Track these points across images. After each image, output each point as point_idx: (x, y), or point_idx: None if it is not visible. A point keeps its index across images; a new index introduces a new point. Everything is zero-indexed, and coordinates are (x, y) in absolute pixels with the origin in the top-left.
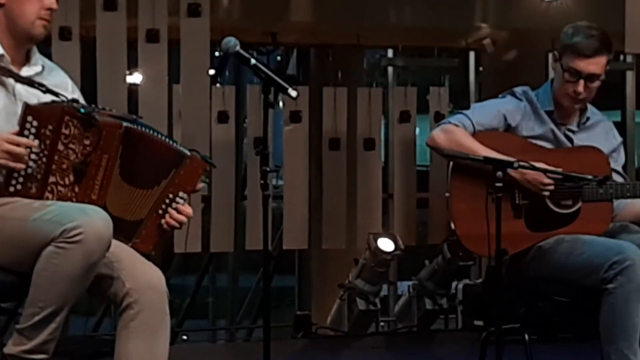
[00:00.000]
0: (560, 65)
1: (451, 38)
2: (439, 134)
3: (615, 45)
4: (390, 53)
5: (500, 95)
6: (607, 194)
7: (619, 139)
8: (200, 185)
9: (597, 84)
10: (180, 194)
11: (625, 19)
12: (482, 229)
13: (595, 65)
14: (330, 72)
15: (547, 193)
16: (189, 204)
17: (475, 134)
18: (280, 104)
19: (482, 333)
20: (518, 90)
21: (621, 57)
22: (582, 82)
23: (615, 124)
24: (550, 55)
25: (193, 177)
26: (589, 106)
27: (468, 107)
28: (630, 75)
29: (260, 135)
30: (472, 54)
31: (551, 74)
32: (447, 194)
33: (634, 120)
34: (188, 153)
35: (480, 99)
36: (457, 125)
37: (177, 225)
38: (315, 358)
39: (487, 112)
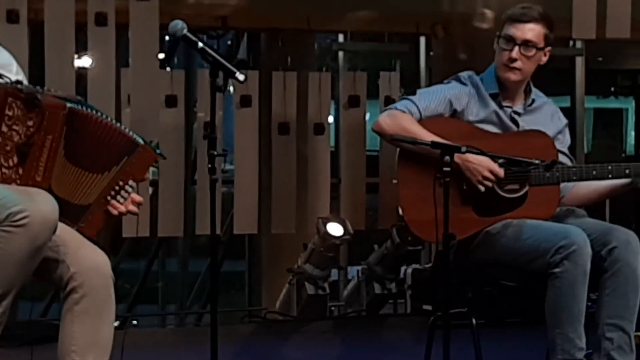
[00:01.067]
0: (499, 38)
1: (402, 23)
2: (385, 119)
3: (563, 32)
4: (340, 38)
5: (445, 81)
6: (553, 177)
7: (564, 121)
8: (148, 174)
9: (533, 53)
10: (130, 182)
11: (572, 5)
12: (429, 215)
13: (531, 31)
14: (280, 56)
15: (482, 188)
16: (137, 191)
17: (421, 120)
18: (231, 88)
19: (430, 317)
20: (463, 75)
21: (570, 43)
22: (517, 48)
23: (565, 109)
24: (495, 38)
25: (143, 166)
26: (534, 89)
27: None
28: (579, 61)
29: (213, 119)
30: (422, 39)
31: None
32: (394, 181)
33: (583, 106)
34: (141, 141)
35: (430, 84)
36: (403, 111)
37: (125, 213)
38: (264, 343)
39: (433, 98)
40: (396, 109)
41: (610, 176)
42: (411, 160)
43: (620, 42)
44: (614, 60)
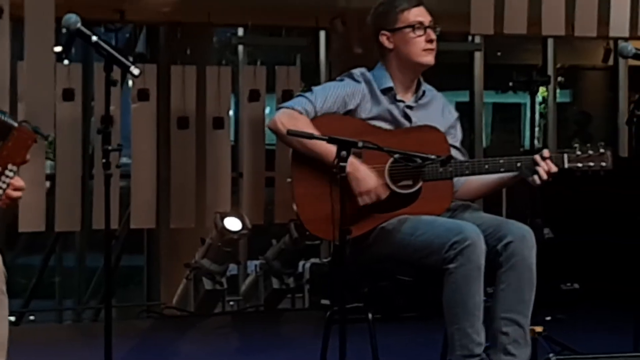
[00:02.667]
0: (400, 32)
1: (302, 17)
2: (282, 119)
3: (462, 27)
4: (240, 31)
5: (338, 78)
6: (446, 172)
7: (455, 114)
8: (28, 156)
9: (439, 31)
10: (9, 166)
11: (471, 1)
12: (325, 212)
13: (427, 13)
14: (179, 50)
15: (360, 203)
16: (20, 176)
17: (315, 118)
18: (130, 82)
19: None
20: (356, 72)
21: (469, 38)
22: (429, 30)
23: (464, 104)
24: (382, 38)
25: (22, 148)
26: (422, 81)
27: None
28: (478, 56)
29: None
30: (322, 33)
31: None
32: (288, 180)
33: (482, 101)
34: (15, 124)
35: (331, 78)
36: (300, 112)
37: (8, 201)
38: (161, 338)
39: (329, 96)
40: (293, 108)
41: (502, 170)
42: (305, 159)
43: (517, 37)
44: (512, 55)
